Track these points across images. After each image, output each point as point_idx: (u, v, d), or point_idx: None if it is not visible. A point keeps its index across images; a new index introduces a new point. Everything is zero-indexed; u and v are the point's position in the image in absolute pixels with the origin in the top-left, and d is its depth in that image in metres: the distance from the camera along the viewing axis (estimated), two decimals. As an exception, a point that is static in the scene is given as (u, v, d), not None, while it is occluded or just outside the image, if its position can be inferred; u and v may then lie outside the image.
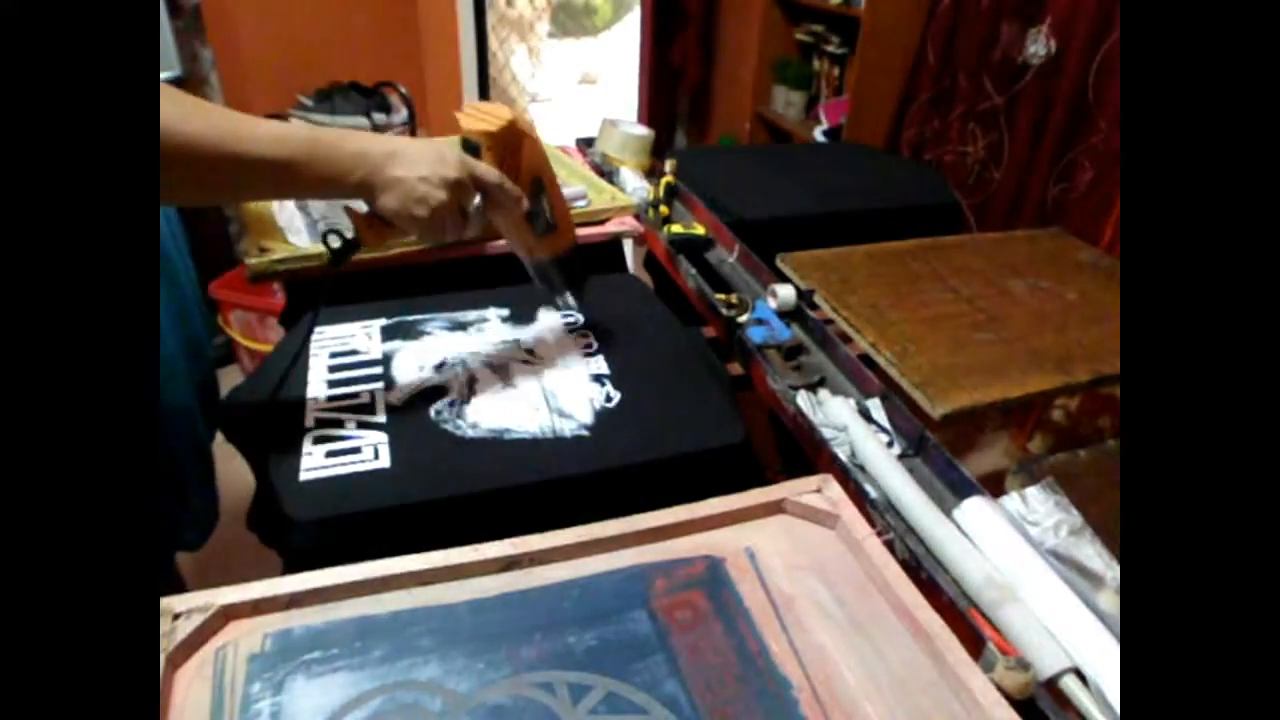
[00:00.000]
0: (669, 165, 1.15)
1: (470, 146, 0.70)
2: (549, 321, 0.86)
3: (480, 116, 0.69)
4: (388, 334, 0.81)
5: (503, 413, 0.71)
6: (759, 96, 2.33)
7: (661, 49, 2.57)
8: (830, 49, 2.11)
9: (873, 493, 0.64)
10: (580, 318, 0.86)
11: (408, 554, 0.54)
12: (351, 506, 0.60)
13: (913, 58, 1.83)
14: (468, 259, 0.96)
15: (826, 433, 0.71)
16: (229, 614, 0.51)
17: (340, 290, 0.88)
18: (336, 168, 0.61)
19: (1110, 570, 0.60)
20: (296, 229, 0.93)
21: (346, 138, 0.62)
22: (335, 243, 0.68)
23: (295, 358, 0.71)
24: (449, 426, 0.69)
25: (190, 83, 2.02)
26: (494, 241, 0.97)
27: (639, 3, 2.56)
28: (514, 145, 0.70)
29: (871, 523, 0.60)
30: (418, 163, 0.63)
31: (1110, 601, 0.58)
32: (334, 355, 0.77)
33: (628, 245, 1.07)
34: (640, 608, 0.53)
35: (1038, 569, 0.57)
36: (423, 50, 2.67)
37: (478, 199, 0.68)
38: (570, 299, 0.84)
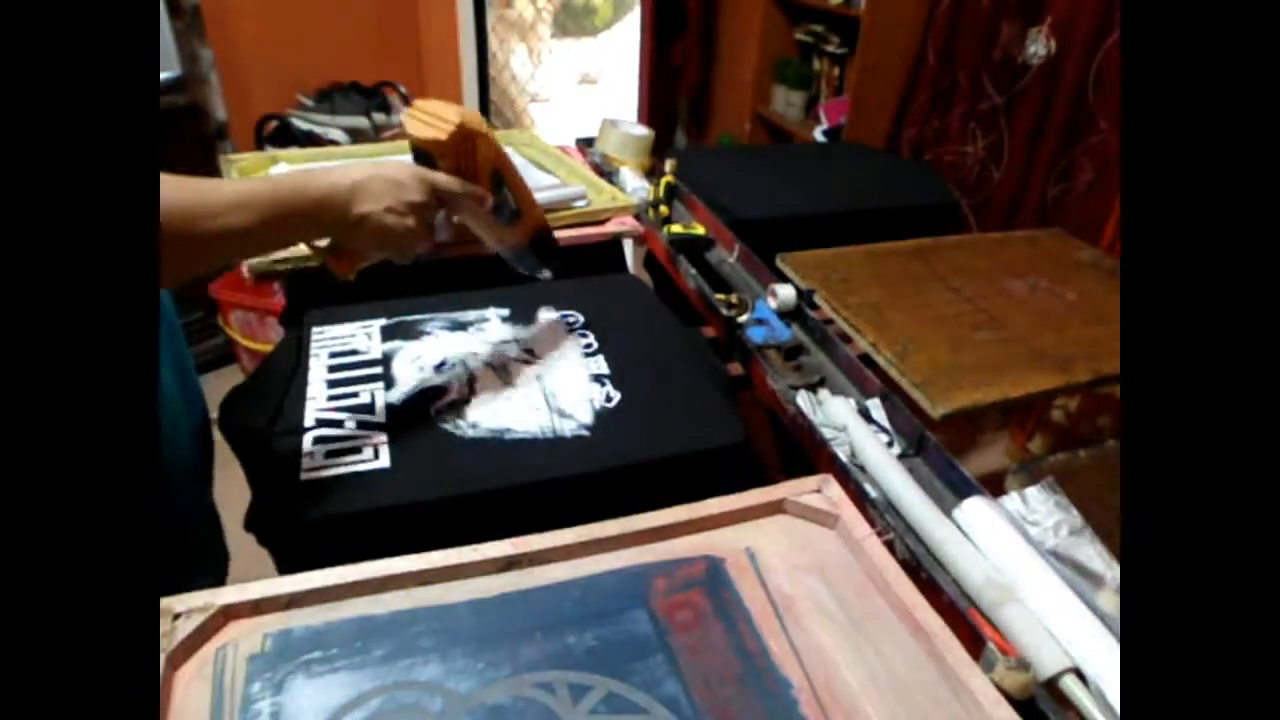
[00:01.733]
0: (669, 165, 1.15)
1: (422, 155, 0.68)
2: (549, 321, 0.86)
3: (429, 121, 0.68)
4: (388, 334, 0.81)
5: (503, 413, 0.71)
6: (759, 96, 2.32)
7: (661, 49, 2.57)
8: (830, 49, 2.11)
9: (873, 493, 0.64)
10: (580, 318, 0.86)
11: (408, 554, 0.54)
12: (352, 506, 0.60)
13: (913, 58, 1.83)
14: (468, 259, 0.96)
15: (826, 433, 0.71)
16: (229, 614, 0.51)
17: (340, 290, 0.88)
18: (305, 221, 0.61)
19: (1110, 570, 0.60)
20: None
21: (309, 184, 0.60)
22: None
23: (296, 358, 0.71)
24: (449, 426, 0.69)
25: (190, 83, 2.02)
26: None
27: (639, 3, 2.55)
28: (467, 147, 0.69)
29: (871, 523, 0.60)
30: (381, 195, 0.62)
31: (1110, 601, 0.58)
32: (334, 355, 0.77)
33: (628, 245, 1.07)
34: (640, 608, 0.53)
35: (1038, 569, 0.56)
36: (423, 50, 2.68)
37: (442, 212, 0.68)
38: (547, 273, 0.84)
